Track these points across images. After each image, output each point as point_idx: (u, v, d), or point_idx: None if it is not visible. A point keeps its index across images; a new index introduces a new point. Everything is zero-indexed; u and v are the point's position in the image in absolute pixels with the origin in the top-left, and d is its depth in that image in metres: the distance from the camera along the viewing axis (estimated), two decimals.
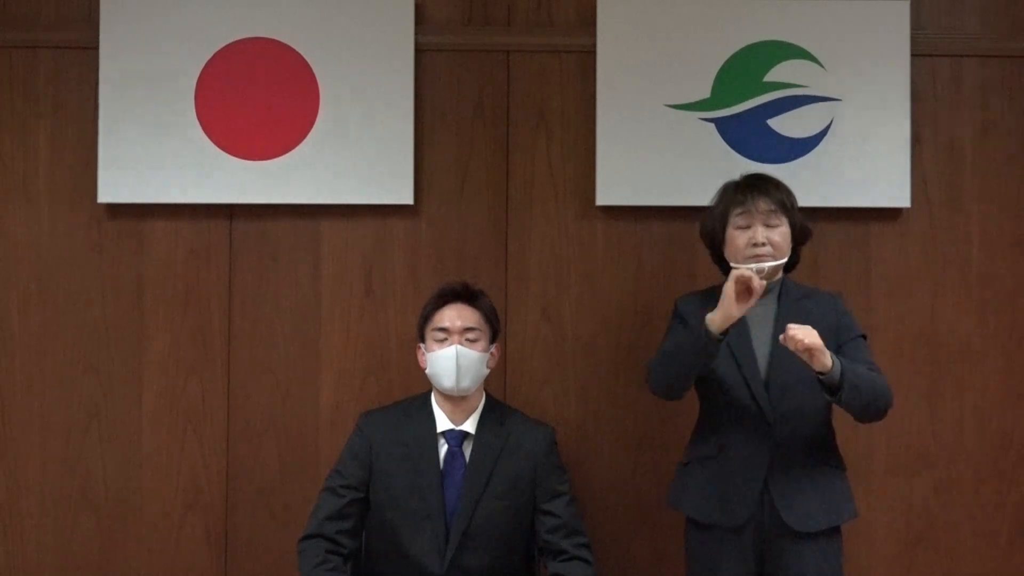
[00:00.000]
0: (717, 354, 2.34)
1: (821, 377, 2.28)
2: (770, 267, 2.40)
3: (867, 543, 2.96)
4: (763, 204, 2.42)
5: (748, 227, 2.43)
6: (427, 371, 2.58)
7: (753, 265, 2.38)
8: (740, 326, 2.42)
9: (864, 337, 2.48)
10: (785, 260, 2.44)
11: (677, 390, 2.45)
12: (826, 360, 2.24)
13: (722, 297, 2.29)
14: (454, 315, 2.56)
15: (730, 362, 2.42)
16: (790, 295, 2.48)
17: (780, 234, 2.43)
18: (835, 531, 2.45)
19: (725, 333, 2.31)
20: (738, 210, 2.44)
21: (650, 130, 2.95)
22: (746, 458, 2.40)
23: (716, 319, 2.29)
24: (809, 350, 2.22)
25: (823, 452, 2.44)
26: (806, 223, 2.51)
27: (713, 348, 2.31)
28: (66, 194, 2.97)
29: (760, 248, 2.40)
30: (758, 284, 2.27)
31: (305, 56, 2.95)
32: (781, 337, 2.27)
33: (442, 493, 2.50)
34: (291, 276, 2.98)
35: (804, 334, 2.23)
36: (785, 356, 2.36)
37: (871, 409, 2.36)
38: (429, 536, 2.48)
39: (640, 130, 2.95)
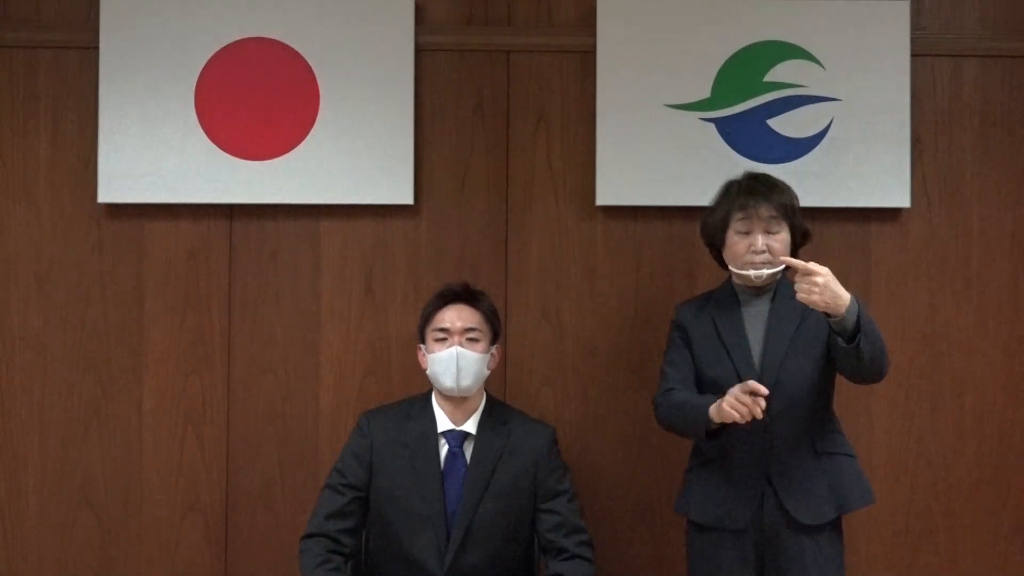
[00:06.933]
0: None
1: (833, 320, 2.25)
2: (768, 274, 2.40)
3: (867, 542, 2.96)
4: (765, 211, 2.42)
5: (748, 233, 2.42)
6: (427, 372, 2.58)
7: (751, 271, 2.40)
8: (735, 326, 2.44)
9: None
10: (783, 268, 2.42)
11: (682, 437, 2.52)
12: (842, 303, 2.22)
13: (724, 407, 2.23)
14: (455, 316, 2.56)
15: (726, 363, 2.42)
16: (785, 294, 2.47)
17: (780, 241, 2.42)
18: (837, 529, 2.45)
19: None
20: (739, 215, 2.44)
21: (650, 130, 2.95)
22: (747, 458, 2.40)
23: (715, 417, 2.28)
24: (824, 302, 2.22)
25: (825, 442, 2.44)
26: (806, 226, 2.50)
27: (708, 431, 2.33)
28: (66, 194, 2.97)
29: (759, 256, 2.41)
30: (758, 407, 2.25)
31: (305, 56, 2.95)
32: (796, 287, 2.25)
33: (443, 493, 2.50)
34: (291, 276, 2.98)
35: (816, 288, 2.22)
36: (778, 353, 2.38)
37: (876, 364, 2.31)
38: (429, 536, 2.48)
39: (640, 130, 2.94)
